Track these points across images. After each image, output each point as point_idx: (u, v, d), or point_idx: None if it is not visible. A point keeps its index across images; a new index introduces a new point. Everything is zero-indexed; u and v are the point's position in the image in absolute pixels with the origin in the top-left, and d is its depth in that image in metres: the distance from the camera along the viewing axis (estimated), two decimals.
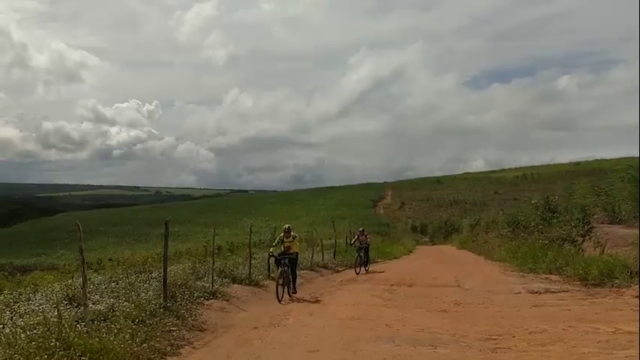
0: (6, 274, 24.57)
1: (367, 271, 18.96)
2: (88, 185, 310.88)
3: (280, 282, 12.27)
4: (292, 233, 13.14)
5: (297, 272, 14.01)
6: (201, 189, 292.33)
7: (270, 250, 13.22)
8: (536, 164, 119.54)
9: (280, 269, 12.51)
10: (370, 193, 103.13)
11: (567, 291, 11.36)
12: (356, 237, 19.84)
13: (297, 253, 13.16)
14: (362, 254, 19.02)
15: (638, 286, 10.19)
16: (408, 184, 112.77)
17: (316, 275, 17.79)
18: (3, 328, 6.20)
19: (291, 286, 12.88)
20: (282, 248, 12.95)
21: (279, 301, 11.91)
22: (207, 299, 10.45)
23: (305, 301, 12.24)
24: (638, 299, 9.13)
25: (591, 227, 15.41)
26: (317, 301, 12.08)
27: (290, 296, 12.62)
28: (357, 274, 18.17)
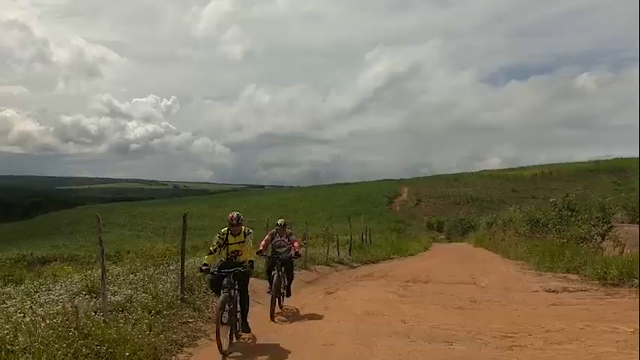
0: (26, 264, 24.99)
1: (282, 307, 10.05)
2: (107, 178, 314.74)
3: (224, 319, 6.99)
4: (243, 228, 7.80)
5: (250, 295, 8.12)
6: (217, 184, 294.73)
7: (205, 258, 7.76)
8: (553, 162, 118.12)
9: (222, 295, 7.10)
10: (386, 189, 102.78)
11: (585, 290, 11.27)
12: (267, 237, 10.24)
13: (251, 261, 7.62)
14: (280, 272, 9.78)
15: None
16: (425, 181, 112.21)
17: (332, 271, 17.80)
18: (24, 316, 6.30)
19: (239, 324, 7.65)
20: (226, 255, 7.80)
21: (223, 356, 6.81)
22: None
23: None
24: None
25: (611, 226, 15.22)
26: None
27: (237, 338, 7.52)
28: (272, 317, 9.18)
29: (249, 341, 7.62)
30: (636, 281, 10.72)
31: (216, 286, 7.43)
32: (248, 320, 7.82)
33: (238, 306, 7.61)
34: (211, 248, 7.78)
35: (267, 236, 10.28)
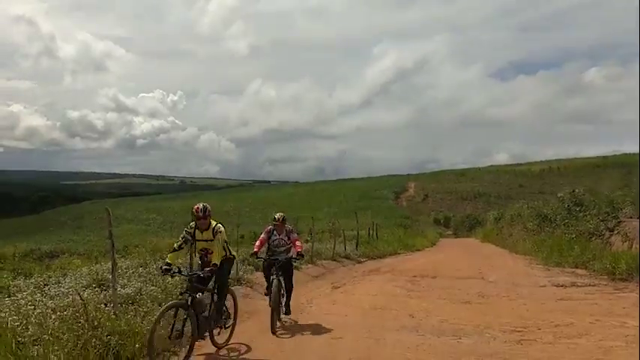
0: (35, 258, 25.12)
1: (280, 321, 8.23)
2: (114, 174, 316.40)
3: (175, 333, 6.17)
4: (212, 223, 6.73)
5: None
6: (224, 179, 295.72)
7: (167, 257, 6.67)
8: (561, 157, 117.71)
9: (172, 302, 6.35)
10: (393, 185, 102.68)
11: (594, 285, 11.23)
12: (263, 236, 8.53)
13: (215, 265, 6.41)
14: (280, 277, 8.21)
15: None
16: (432, 176, 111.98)
17: (338, 265, 17.80)
18: (34, 309, 6.35)
19: (214, 332, 6.78)
20: (197, 254, 7.08)
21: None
22: (232, 285, 10.58)
23: None
24: None
25: (620, 221, 15.15)
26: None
27: (216, 346, 6.78)
28: (274, 330, 7.67)
29: (250, 342, 7.08)
30: None
31: (190, 290, 6.33)
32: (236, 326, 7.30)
33: (214, 312, 6.77)
34: (175, 245, 6.70)
35: (262, 234, 8.55)
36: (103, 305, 6.70)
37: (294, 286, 8.75)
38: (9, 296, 7.41)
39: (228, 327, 7.18)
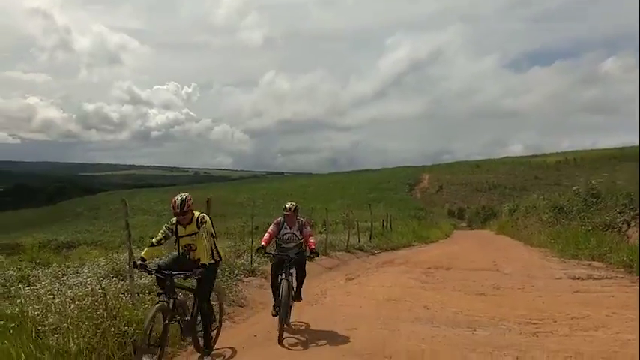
0: (52, 248, 25.45)
1: (289, 324, 7.33)
2: (130, 165, 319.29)
3: (149, 339, 5.40)
4: (196, 215, 6.02)
5: (214, 315, 6.52)
6: (237, 171, 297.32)
7: (143, 252, 5.99)
8: (577, 149, 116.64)
9: (156, 305, 5.62)
10: (407, 176, 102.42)
11: (611, 277, 11.14)
12: (272, 228, 7.52)
13: (203, 265, 5.84)
14: (290, 275, 7.30)
15: None
16: (446, 167, 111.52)
17: (352, 257, 17.83)
18: (53, 298, 6.43)
19: (201, 339, 6.14)
20: (180, 250, 6.13)
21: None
22: (247, 276, 10.68)
23: None
24: None
25: (637, 213, 14.99)
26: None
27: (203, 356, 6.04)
28: (281, 340, 6.69)
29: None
30: None
31: (162, 288, 5.86)
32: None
33: (198, 318, 6.11)
34: (154, 240, 5.99)
35: (271, 227, 7.55)
36: (121, 295, 6.77)
37: (306, 275, 7.84)
38: (28, 285, 7.53)
39: (213, 330, 6.45)
